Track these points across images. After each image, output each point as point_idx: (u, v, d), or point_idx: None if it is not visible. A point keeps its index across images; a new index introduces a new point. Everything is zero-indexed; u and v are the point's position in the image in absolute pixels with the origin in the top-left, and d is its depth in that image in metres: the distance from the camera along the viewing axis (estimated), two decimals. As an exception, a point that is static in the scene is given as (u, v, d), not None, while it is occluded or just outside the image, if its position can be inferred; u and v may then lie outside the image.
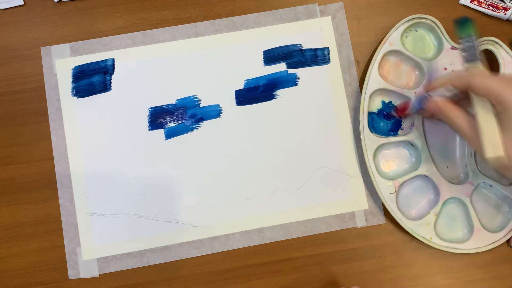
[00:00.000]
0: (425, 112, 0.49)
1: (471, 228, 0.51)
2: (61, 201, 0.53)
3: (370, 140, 0.52)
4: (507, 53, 0.53)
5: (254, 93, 0.54)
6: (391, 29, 0.53)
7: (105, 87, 0.54)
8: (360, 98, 0.52)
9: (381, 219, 0.53)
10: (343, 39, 0.55)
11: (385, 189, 0.51)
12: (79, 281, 0.52)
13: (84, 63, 0.54)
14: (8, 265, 0.52)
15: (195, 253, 0.52)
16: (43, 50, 0.54)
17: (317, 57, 0.55)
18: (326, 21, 0.55)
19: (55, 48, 0.54)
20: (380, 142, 0.52)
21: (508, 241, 0.52)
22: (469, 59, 0.46)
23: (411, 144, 0.53)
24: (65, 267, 0.52)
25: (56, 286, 0.52)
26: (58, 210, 0.53)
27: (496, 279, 0.52)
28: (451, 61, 0.53)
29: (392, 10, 0.55)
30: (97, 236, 0.52)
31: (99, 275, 0.52)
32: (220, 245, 0.52)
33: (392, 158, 0.53)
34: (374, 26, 0.55)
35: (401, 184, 0.52)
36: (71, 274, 0.52)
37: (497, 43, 0.53)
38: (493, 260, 0.52)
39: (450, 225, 0.52)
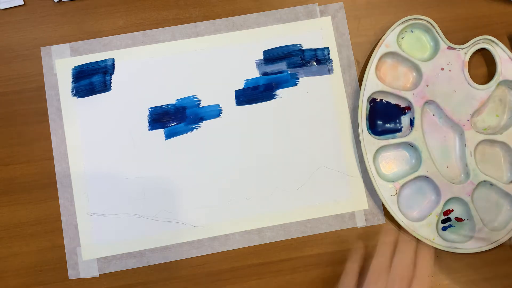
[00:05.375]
0: None
1: (473, 228, 0.51)
2: (61, 201, 0.53)
3: (370, 142, 0.52)
4: (504, 51, 0.53)
5: (254, 93, 0.54)
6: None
7: (105, 87, 0.54)
8: (359, 98, 0.52)
9: (381, 219, 0.53)
10: (343, 39, 0.55)
11: (386, 191, 0.51)
12: (79, 281, 0.52)
13: (84, 63, 0.54)
14: (8, 265, 0.52)
15: (195, 253, 0.52)
16: (43, 50, 0.54)
17: (317, 57, 0.55)
18: (326, 21, 0.55)
19: (55, 48, 0.54)
20: (379, 144, 0.52)
21: (510, 239, 0.52)
22: None
23: (410, 146, 0.53)
24: (65, 267, 0.52)
25: (56, 286, 0.52)
26: (58, 210, 0.52)
27: (496, 279, 0.52)
28: (447, 61, 0.53)
29: (392, 10, 0.55)
30: (97, 236, 0.52)
31: (99, 275, 0.52)
32: (220, 245, 0.52)
33: (392, 160, 0.53)
34: (374, 26, 0.55)
35: (402, 186, 0.52)
36: (71, 274, 0.52)
37: (493, 41, 0.53)
38: (493, 260, 0.52)
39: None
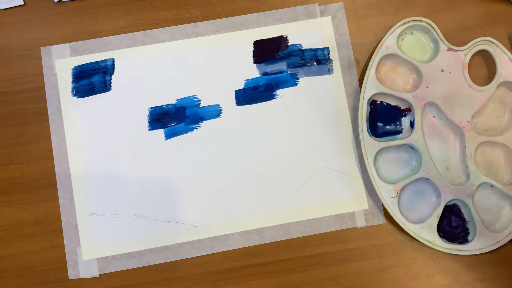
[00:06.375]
0: None
1: (474, 229, 0.51)
2: (61, 201, 0.53)
3: (370, 144, 0.52)
4: (504, 52, 0.53)
5: (254, 93, 0.54)
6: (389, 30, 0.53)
7: (105, 87, 0.54)
8: (359, 100, 0.52)
9: (381, 219, 0.53)
10: (343, 39, 0.55)
11: (386, 193, 0.51)
12: (79, 281, 0.52)
13: (84, 63, 0.54)
14: (8, 265, 0.52)
15: (195, 253, 0.52)
16: (43, 50, 0.54)
17: (317, 57, 0.55)
18: (326, 21, 0.55)
19: (55, 48, 0.54)
20: (380, 146, 0.52)
21: None
22: None
23: (411, 147, 0.53)
24: (65, 267, 0.52)
25: (56, 286, 0.52)
26: (58, 210, 0.53)
27: (496, 279, 0.52)
28: (447, 63, 0.53)
29: (392, 10, 0.55)
30: (97, 236, 0.52)
31: (99, 275, 0.52)
32: (220, 245, 0.52)
33: (392, 162, 0.53)
34: (374, 26, 0.55)
35: (403, 188, 0.52)
36: (71, 274, 0.52)
37: (493, 43, 0.53)
38: (493, 260, 0.52)
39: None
